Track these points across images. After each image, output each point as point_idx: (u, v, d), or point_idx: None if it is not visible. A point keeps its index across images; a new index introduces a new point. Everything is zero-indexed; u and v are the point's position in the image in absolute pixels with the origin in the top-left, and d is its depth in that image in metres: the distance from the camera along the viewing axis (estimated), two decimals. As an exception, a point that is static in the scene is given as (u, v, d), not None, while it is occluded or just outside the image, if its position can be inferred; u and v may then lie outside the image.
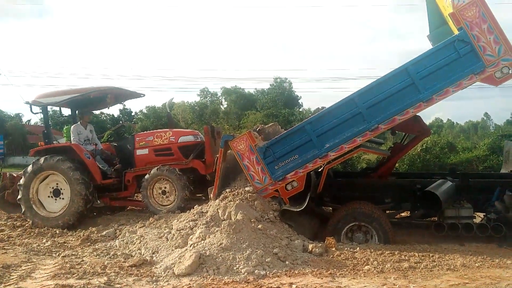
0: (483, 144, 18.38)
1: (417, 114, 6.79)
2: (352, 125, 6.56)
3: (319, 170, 7.17)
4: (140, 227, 7.43)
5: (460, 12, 6.09)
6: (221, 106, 46.74)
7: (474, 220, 6.96)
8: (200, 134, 9.50)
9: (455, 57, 6.19)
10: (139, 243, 6.62)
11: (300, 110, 38.80)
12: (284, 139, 6.88)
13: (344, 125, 6.58)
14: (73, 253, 6.55)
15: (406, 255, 5.81)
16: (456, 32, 6.25)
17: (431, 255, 5.85)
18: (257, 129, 7.97)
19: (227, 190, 7.20)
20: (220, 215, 6.61)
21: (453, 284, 4.74)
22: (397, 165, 16.85)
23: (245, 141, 6.91)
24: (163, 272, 5.38)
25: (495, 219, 6.71)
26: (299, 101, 43.73)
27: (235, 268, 5.31)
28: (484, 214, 7.18)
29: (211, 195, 7.27)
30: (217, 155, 7.34)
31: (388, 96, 6.40)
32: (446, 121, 65.25)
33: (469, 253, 5.99)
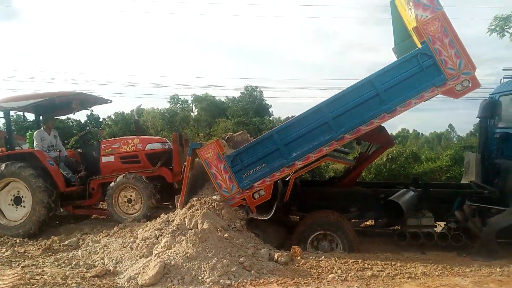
0: (446, 155, 18.91)
1: (381, 124, 6.94)
2: (319, 134, 6.66)
3: (287, 179, 7.24)
4: (104, 236, 7.31)
5: (423, 26, 6.28)
6: (192, 114, 46.50)
7: (435, 229, 7.15)
8: (168, 141, 9.44)
9: (418, 70, 6.37)
10: (103, 252, 6.50)
11: (271, 118, 39.05)
12: (252, 147, 6.92)
13: (311, 134, 6.67)
14: (34, 263, 6.37)
15: (369, 264, 5.91)
16: (419, 45, 6.45)
17: (393, 263, 5.98)
18: (226, 138, 7.99)
19: (194, 198, 7.16)
20: (186, 224, 6.56)
21: (413, 292, 4.86)
22: (364, 174, 17.19)
23: (213, 149, 6.92)
24: (126, 283, 5.30)
25: (455, 228, 6.93)
26: (270, 109, 44.07)
27: (200, 277, 5.29)
28: (445, 223, 7.40)
29: (178, 204, 7.22)
30: (185, 163, 7.31)
31: (354, 107, 6.53)
32: (412, 132, 66.85)
33: (429, 262, 6.14)
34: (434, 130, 66.22)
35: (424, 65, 6.33)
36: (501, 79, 8.25)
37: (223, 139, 7.86)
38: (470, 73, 6.28)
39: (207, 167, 6.95)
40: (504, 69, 8.22)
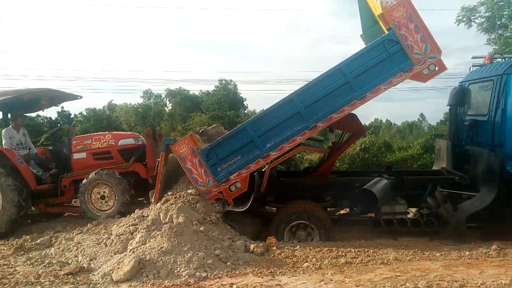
0: (417, 144, 19.29)
1: (353, 112, 7.08)
2: (292, 124, 6.71)
3: (262, 170, 7.28)
4: (78, 234, 7.20)
5: (388, 12, 6.38)
6: (166, 108, 46.05)
7: (408, 215, 7.31)
8: (141, 136, 9.35)
9: (385, 56, 6.48)
10: (76, 250, 6.40)
11: (246, 111, 38.99)
12: (226, 140, 6.92)
13: (284, 124, 6.72)
14: (5, 262, 6.22)
15: (343, 251, 6.01)
16: (386, 32, 6.55)
17: (366, 250, 6.09)
18: (200, 131, 7.96)
19: (169, 193, 7.13)
20: (161, 219, 6.53)
21: (386, 277, 4.96)
22: (338, 164, 17.40)
23: (186, 144, 6.88)
24: (101, 279, 5.24)
25: (427, 214, 7.10)
26: (244, 103, 43.99)
27: (176, 271, 5.27)
28: (417, 209, 7.57)
29: (153, 200, 7.16)
30: (158, 159, 7.25)
31: (325, 95, 6.61)
32: (385, 122, 67.92)
33: (401, 247, 6.28)
34: (405, 120, 67.24)
35: (391, 51, 6.44)
36: (470, 68, 8.47)
37: (197, 133, 7.83)
38: (436, 57, 6.42)
39: (182, 162, 6.91)
40: (473, 57, 8.44)
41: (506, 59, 7.48)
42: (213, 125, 8.32)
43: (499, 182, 6.66)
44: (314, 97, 6.62)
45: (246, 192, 6.93)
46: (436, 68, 6.47)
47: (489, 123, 7.18)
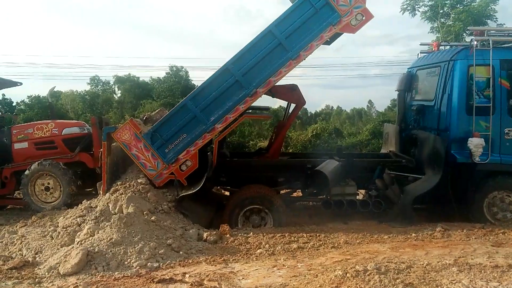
0: (366, 130, 19.85)
1: (295, 83, 7.35)
2: (232, 94, 6.68)
3: (211, 145, 7.21)
4: (22, 227, 6.90)
5: None
6: (115, 95, 44.74)
7: (357, 197, 7.49)
8: (87, 125, 9.02)
9: (312, 12, 6.56)
10: (20, 243, 6.11)
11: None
12: (169, 120, 6.80)
13: (224, 95, 6.69)
14: None
15: (295, 237, 6.08)
16: None
17: (318, 235, 6.19)
18: (144, 118, 7.78)
19: (118, 183, 6.93)
20: (110, 209, 6.35)
21: (336, 261, 5.06)
22: (290, 150, 17.62)
23: (128, 130, 6.71)
24: (47, 273, 5.02)
25: (375, 196, 7.31)
26: (196, 89, 43.43)
27: (126, 262, 5.14)
28: (366, 191, 7.79)
29: (101, 191, 6.93)
30: (101, 150, 7.00)
31: (260, 60, 6.62)
32: (336, 108, 69.25)
33: (351, 231, 6.43)
34: (353, 106, 68.88)
35: (317, 6, 6.54)
36: (418, 54, 8.74)
37: (142, 119, 7.63)
38: (361, 6, 6.59)
39: (127, 149, 6.73)
40: (421, 44, 8.71)
41: (453, 46, 7.75)
42: (157, 110, 8.12)
43: (444, 165, 6.94)
44: (250, 63, 6.61)
45: (199, 173, 6.83)
46: (363, 18, 6.63)
47: (435, 108, 7.45)
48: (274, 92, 7.39)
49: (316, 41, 6.60)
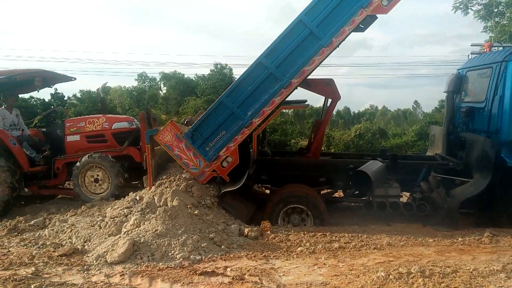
0: (411, 131, 19.35)
1: (331, 78, 7.34)
2: (267, 87, 6.67)
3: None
4: (72, 216, 7.18)
5: None
6: (160, 92, 45.79)
7: (401, 199, 7.34)
8: (135, 120, 9.26)
9: None
10: (70, 231, 6.38)
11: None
12: (207, 118, 6.88)
13: (259, 89, 6.68)
14: (-1, 244, 6.20)
15: (337, 236, 6.04)
16: None
17: (360, 235, 6.13)
18: (186, 121, 7.95)
19: (163, 177, 7.11)
20: (156, 202, 6.53)
21: (379, 262, 5.00)
22: (333, 150, 17.45)
23: (169, 131, 6.87)
24: (95, 261, 5.23)
25: (420, 199, 7.13)
26: (240, 87, 43.76)
27: (170, 254, 5.27)
28: (410, 193, 7.61)
29: (147, 187, 7.14)
30: (145, 153, 7.20)
31: (292, 51, 6.55)
32: (381, 108, 67.88)
33: (394, 233, 6.32)
34: (400, 107, 67.26)
35: None
36: (468, 55, 8.45)
37: (183, 123, 7.80)
38: None
39: (169, 150, 6.90)
40: (472, 45, 8.44)
41: (505, 47, 7.46)
42: (198, 113, 8.29)
43: (493, 169, 6.69)
44: (282, 55, 6.57)
45: (241, 171, 6.90)
46: None
47: (486, 110, 7.19)
48: (310, 83, 7.33)
49: (348, 25, 6.45)
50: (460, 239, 5.98)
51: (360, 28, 6.73)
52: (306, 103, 8.36)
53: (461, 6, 23.25)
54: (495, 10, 22.37)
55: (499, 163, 6.75)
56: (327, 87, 7.55)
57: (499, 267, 4.70)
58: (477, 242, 5.87)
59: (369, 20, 6.64)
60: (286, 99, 7.06)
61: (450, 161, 7.51)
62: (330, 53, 6.62)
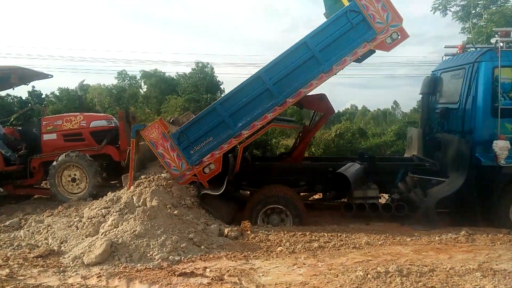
0: (390, 131, 19.57)
1: (323, 93, 7.39)
2: (262, 101, 6.70)
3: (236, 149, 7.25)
4: (48, 216, 7.05)
5: None
6: (141, 90, 45.23)
7: (379, 200, 7.43)
8: (114, 118, 9.16)
9: (348, 27, 6.54)
10: (46, 232, 6.27)
11: (222, 95, 38.69)
12: (197, 122, 6.86)
13: (254, 102, 6.71)
14: (-28, 245, 6.05)
15: (316, 236, 6.07)
16: (347, 4, 6.59)
17: (339, 234, 6.17)
18: (171, 120, 7.90)
19: (143, 176, 7.03)
20: (135, 202, 6.46)
21: (357, 261, 5.04)
22: (313, 149, 17.54)
23: (157, 128, 6.80)
24: (71, 262, 5.16)
25: (398, 199, 7.23)
26: (221, 86, 43.60)
27: (148, 255, 5.23)
28: (389, 194, 7.70)
29: (127, 187, 7.05)
30: (129, 147, 7.11)
31: (292, 71, 6.62)
32: (361, 108, 68.49)
33: (373, 232, 6.39)
34: (380, 107, 67.99)
35: (353, 22, 6.51)
36: (442, 57, 8.59)
37: (169, 121, 7.74)
38: (398, 25, 6.53)
39: (153, 148, 6.83)
40: (445, 47, 8.54)
41: (478, 48, 7.61)
42: (185, 114, 8.24)
43: (468, 168, 6.82)
44: (282, 73, 6.63)
45: (221, 176, 6.89)
46: (399, 36, 6.57)
47: (460, 110, 7.33)
48: (303, 102, 7.40)
49: (350, 56, 6.58)
50: (437, 238, 6.08)
51: (358, 59, 6.91)
52: (294, 123, 8.38)
53: (440, 7, 23.69)
54: (473, 11, 22.84)
55: (474, 163, 6.88)
56: (321, 103, 7.65)
57: (475, 266, 4.79)
58: (454, 241, 5.97)
59: (369, 53, 6.82)
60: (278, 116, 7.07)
61: (427, 162, 7.63)
62: (327, 79, 6.68)
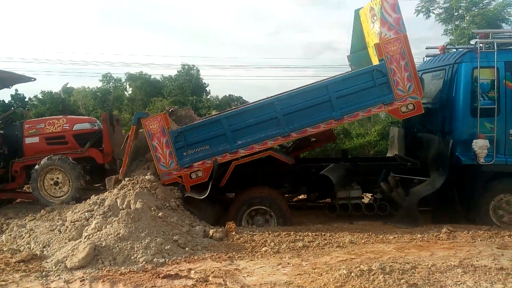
0: (374, 131, 19.68)
1: None
2: (267, 127, 6.78)
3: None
4: (30, 220, 7.00)
5: (384, 44, 6.54)
6: (126, 93, 44.87)
7: (362, 200, 7.51)
8: (97, 121, 9.10)
9: (371, 85, 6.64)
10: (29, 237, 6.22)
11: (208, 97, 38.64)
12: (199, 127, 6.94)
13: (259, 126, 6.79)
14: (-48, 251, 5.95)
15: (300, 235, 6.11)
16: (374, 60, 6.75)
17: (323, 234, 6.22)
18: (170, 110, 7.88)
19: (126, 179, 7.00)
20: (118, 205, 6.43)
21: (341, 260, 5.09)
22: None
23: (158, 121, 6.83)
24: (54, 266, 5.11)
25: (380, 199, 7.32)
26: (207, 88, 43.51)
27: (132, 257, 5.21)
28: (372, 194, 7.78)
29: (120, 174, 7.10)
30: (128, 133, 7.20)
31: (305, 108, 6.71)
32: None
33: (357, 231, 6.45)
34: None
35: (377, 81, 6.61)
36: (423, 58, 8.72)
37: (167, 112, 7.70)
38: (417, 98, 6.67)
39: (149, 138, 6.86)
40: (426, 48, 8.67)
41: (459, 49, 7.74)
42: (185, 108, 8.23)
43: (449, 167, 6.92)
44: (295, 107, 6.72)
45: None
46: (414, 109, 6.69)
47: (440, 110, 7.43)
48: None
49: (363, 112, 6.71)
50: (419, 235, 6.16)
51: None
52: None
53: (423, 10, 24.00)
54: (456, 13, 23.19)
55: (455, 162, 6.99)
56: (325, 132, 7.58)
57: (456, 263, 4.86)
58: (435, 238, 6.05)
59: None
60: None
61: (408, 161, 7.71)
62: (335, 126, 6.77)
